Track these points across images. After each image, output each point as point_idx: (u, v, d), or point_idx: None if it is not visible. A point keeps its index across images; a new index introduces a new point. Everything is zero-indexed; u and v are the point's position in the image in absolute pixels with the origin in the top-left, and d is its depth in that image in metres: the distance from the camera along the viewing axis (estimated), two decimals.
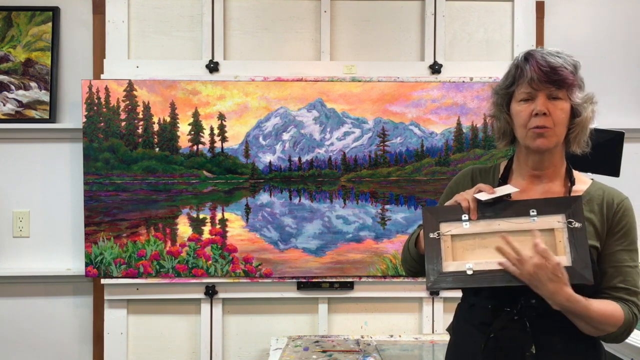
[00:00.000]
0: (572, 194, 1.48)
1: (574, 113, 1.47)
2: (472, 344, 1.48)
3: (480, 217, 1.42)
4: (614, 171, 2.67)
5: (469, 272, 1.39)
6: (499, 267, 1.36)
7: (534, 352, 1.39)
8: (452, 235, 1.43)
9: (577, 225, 1.37)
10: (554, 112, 1.43)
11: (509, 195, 1.45)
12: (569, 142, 1.50)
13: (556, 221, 1.38)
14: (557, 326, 1.41)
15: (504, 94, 1.50)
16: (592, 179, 1.56)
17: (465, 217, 1.43)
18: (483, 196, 1.42)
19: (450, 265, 1.41)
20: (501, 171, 1.59)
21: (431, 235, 1.44)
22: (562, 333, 1.41)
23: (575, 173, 1.54)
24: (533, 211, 1.40)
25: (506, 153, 2.73)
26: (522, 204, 1.42)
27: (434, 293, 2.80)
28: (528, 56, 1.45)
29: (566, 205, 1.39)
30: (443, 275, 1.40)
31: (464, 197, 1.45)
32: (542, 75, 1.41)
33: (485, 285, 1.37)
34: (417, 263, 1.56)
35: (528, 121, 1.44)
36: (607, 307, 1.40)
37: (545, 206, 1.40)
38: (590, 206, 1.48)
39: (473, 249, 1.41)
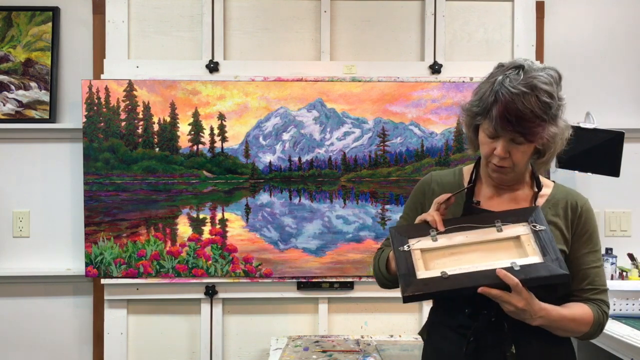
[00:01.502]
0: (539, 198, 1.52)
1: (539, 152, 1.47)
2: (451, 347, 1.50)
3: (448, 230, 1.45)
4: (614, 171, 2.67)
5: (445, 276, 1.38)
6: (474, 270, 1.37)
7: (514, 351, 1.42)
8: (422, 249, 1.44)
9: (541, 227, 1.41)
10: (514, 155, 1.44)
11: (477, 202, 1.54)
12: (532, 168, 1.54)
13: (521, 228, 1.43)
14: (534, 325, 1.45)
15: (471, 119, 1.49)
16: (553, 181, 1.59)
17: (433, 232, 1.44)
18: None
19: (424, 273, 1.40)
20: (465, 177, 1.60)
21: (401, 249, 1.45)
22: (539, 331, 1.44)
23: (540, 177, 1.56)
24: (498, 221, 1.44)
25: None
26: (487, 215, 1.48)
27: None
28: (497, 95, 1.40)
29: (527, 214, 1.45)
30: (418, 282, 1.38)
31: (429, 214, 1.47)
32: (506, 125, 1.38)
33: (466, 286, 1.35)
34: (389, 281, 1.60)
35: (489, 155, 1.46)
36: (576, 311, 1.45)
37: (509, 216, 1.45)
38: (555, 210, 1.52)
39: (444, 263, 1.42)
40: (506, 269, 1.35)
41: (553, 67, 1.46)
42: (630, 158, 2.87)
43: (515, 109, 1.37)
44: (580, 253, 1.50)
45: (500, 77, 1.41)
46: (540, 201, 1.53)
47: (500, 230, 1.43)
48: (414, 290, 1.37)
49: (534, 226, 1.42)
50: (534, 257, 1.38)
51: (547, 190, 1.55)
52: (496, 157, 1.44)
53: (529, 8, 2.84)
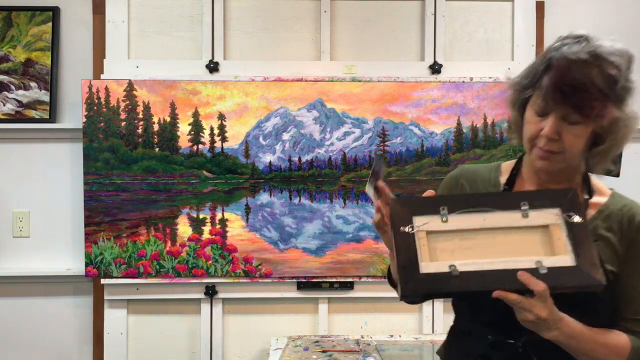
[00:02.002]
0: (589, 209, 1.27)
1: (597, 139, 1.21)
2: None
3: (462, 210, 1.18)
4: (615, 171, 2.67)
5: (455, 274, 1.13)
6: (489, 268, 1.14)
7: None
8: (428, 232, 1.17)
9: (577, 219, 1.16)
10: (565, 137, 1.18)
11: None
12: (587, 164, 1.26)
13: (552, 215, 1.16)
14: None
15: (518, 94, 1.25)
16: (611, 189, 1.33)
17: (444, 209, 1.18)
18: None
19: (429, 266, 1.14)
20: (504, 174, 1.35)
21: (403, 230, 1.17)
22: None
23: (594, 182, 1.32)
24: (524, 204, 1.17)
25: (506, 153, 2.73)
26: (512, 196, 1.23)
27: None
28: (553, 61, 1.17)
29: (562, 197, 1.18)
30: (421, 278, 1.13)
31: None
32: (558, 96, 1.15)
33: (479, 290, 1.13)
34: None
35: (535, 136, 1.21)
36: (608, 336, 1.21)
37: (538, 199, 1.18)
38: (609, 223, 1.26)
39: (452, 251, 1.17)
40: (530, 270, 1.12)
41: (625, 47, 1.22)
42: (630, 158, 2.86)
43: (572, 77, 1.14)
44: (629, 271, 1.24)
45: (556, 44, 1.20)
46: (591, 212, 1.27)
47: (525, 216, 1.17)
48: (415, 290, 1.14)
49: (569, 216, 1.16)
50: (564, 257, 1.14)
51: (601, 198, 1.29)
52: (543, 138, 1.19)
53: (529, 8, 2.84)
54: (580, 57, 1.15)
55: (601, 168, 1.26)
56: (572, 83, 1.14)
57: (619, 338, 1.21)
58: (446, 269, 1.14)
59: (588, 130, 1.19)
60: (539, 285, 1.09)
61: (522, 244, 1.16)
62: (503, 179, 1.35)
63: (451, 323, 1.47)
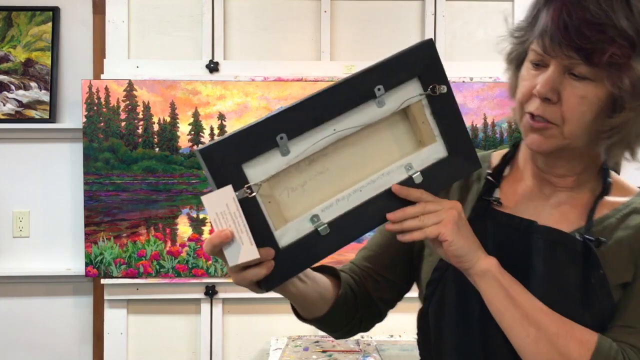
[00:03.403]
0: (600, 207, 0.96)
1: (614, 105, 0.86)
2: None
3: (306, 128, 0.84)
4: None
5: (324, 231, 0.85)
6: (358, 202, 0.87)
7: None
8: (269, 181, 0.83)
9: (442, 89, 0.89)
10: (567, 99, 0.86)
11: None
12: (601, 147, 0.92)
13: (411, 91, 0.88)
14: None
15: (517, 45, 0.96)
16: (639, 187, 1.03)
17: (282, 135, 0.82)
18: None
19: (287, 233, 0.84)
20: (493, 164, 1.05)
21: (239, 196, 0.80)
22: None
23: (615, 177, 1.03)
24: (379, 88, 0.86)
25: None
26: (358, 80, 0.87)
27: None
28: None
29: (416, 58, 0.89)
30: (283, 256, 0.83)
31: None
32: (561, 35, 0.83)
33: (357, 237, 0.87)
34: (320, 324, 1.06)
35: (528, 97, 0.91)
36: (574, 325, 0.89)
37: (393, 72, 0.88)
38: (628, 223, 0.95)
39: (307, 184, 0.85)
40: (404, 183, 0.88)
41: None
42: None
43: (581, 7, 0.82)
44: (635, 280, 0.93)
45: None
46: (602, 210, 0.96)
47: (381, 104, 0.87)
48: (282, 276, 0.85)
49: (432, 88, 0.88)
50: (434, 147, 0.90)
51: (621, 197, 0.98)
52: (534, 99, 0.88)
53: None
54: None
55: (619, 154, 0.93)
56: (580, 15, 0.82)
57: (589, 333, 0.89)
58: (309, 226, 0.85)
59: (600, 93, 0.85)
60: (415, 192, 0.88)
61: (385, 146, 0.89)
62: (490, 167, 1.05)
63: None
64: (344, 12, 2.84)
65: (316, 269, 1.00)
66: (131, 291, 2.75)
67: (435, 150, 0.91)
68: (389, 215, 0.87)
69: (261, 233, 0.81)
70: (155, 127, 2.70)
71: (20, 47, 2.81)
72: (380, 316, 1.14)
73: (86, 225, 2.70)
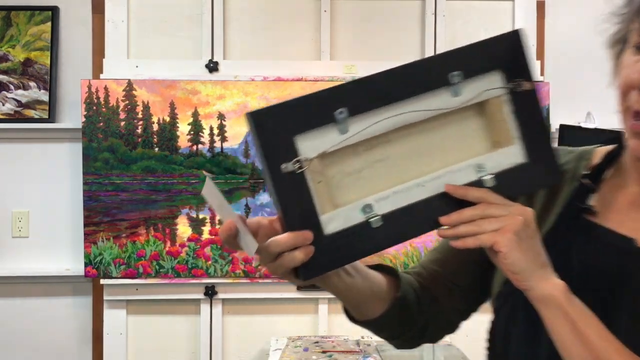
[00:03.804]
0: None
1: None
2: None
3: (369, 106, 0.75)
4: None
5: (376, 223, 0.76)
6: (416, 199, 0.77)
7: None
8: (321, 159, 0.74)
9: (527, 85, 0.79)
10: None
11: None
12: None
13: (491, 84, 0.79)
14: None
15: (621, 22, 0.85)
16: None
17: (342, 111, 0.74)
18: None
19: (334, 219, 0.75)
20: (595, 161, 0.88)
21: (284, 168, 0.73)
22: None
23: None
24: (456, 74, 0.77)
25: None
26: (436, 62, 0.79)
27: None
28: None
29: (500, 48, 0.79)
30: (326, 244, 0.74)
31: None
32: None
33: (408, 237, 0.78)
34: (374, 327, 0.92)
35: (628, 90, 0.77)
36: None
37: (474, 58, 0.79)
38: None
39: (359, 175, 0.77)
40: (472, 184, 0.78)
41: None
42: None
43: None
44: None
45: None
46: None
47: (456, 94, 0.78)
48: (322, 267, 0.76)
49: (515, 82, 0.79)
50: (510, 150, 0.80)
51: None
52: (635, 92, 0.76)
53: (529, 8, 2.83)
54: None
55: None
56: None
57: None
58: (360, 216, 0.76)
59: None
60: (474, 192, 0.76)
61: (455, 140, 0.80)
62: (590, 165, 0.88)
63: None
64: (344, 12, 2.84)
65: (372, 267, 0.90)
66: (131, 291, 2.75)
67: (512, 154, 0.80)
68: (443, 219, 0.75)
69: (305, 214, 0.74)
70: (155, 127, 2.70)
71: (20, 46, 2.80)
72: (451, 327, 0.98)
73: (85, 225, 2.69)
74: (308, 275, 0.75)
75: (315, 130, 0.74)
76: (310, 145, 0.74)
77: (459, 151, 0.79)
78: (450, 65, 0.77)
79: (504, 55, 0.79)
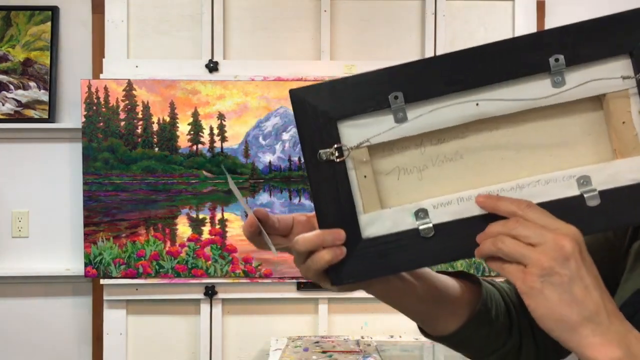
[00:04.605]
0: None
1: None
2: None
3: (434, 93, 0.63)
4: None
5: (426, 233, 0.63)
6: (484, 211, 0.62)
7: None
8: (371, 150, 0.64)
9: None
10: None
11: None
12: None
13: (610, 74, 0.61)
14: None
15: None
16: None
17: (397, 98, 0.63)
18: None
19: (378, 220, 0.64)
20: None
21: (322, 154, 0.64)
22: None
23: None
24: (557, 58, 0.61)
25: None
26: (529, 42, 0.63)
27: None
28: None
29: (633, 28, 0.62)
30: (364, 247, 0.65)
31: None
32: None
33: (460, 255, 0.64)
34: (451, 345, 0.81)
35: None
36: None
37: (583, 40, 0.63)
38: None
39: (419, 177, 0.65)
40: (569, 201, 0.61)
41: None
42: None
43: None
44: None
45: None
46: None
47: (559, 83, 0.61)
48: (354, 274, 0.66)
49: None
50: (635, 161, 0.61)
51: None
52: None
53: (529, 8, 2.83)
54: None
55: None
56: None
57: None
58: (410, 222, 0.64)
59: None
60: (511, 204, 0.60)
61: (555, 143, 0.63)
62: None
63: None
64: (344, 12, 2.84)
65: (448, 274, 0.76)
66: (130, 291, 2.75)
67: (636, 168, 0.60)
68: (478, 237, 0.61)
69: (341, 211, 0.64)
70: (155, 127, 2.70)
71: (19, 46, 2.80)
72: (561, 351, 0.78)
73: (85, 225, 2.69)
74: (338, 281, 0.67)
75: (365, 115, 0.64)
76: (357, 132, 0.63)
77: (557, 157, 0.62)
78: (553, 46, 0.61)
79: (635, 35, 0.61)
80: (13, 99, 2.78)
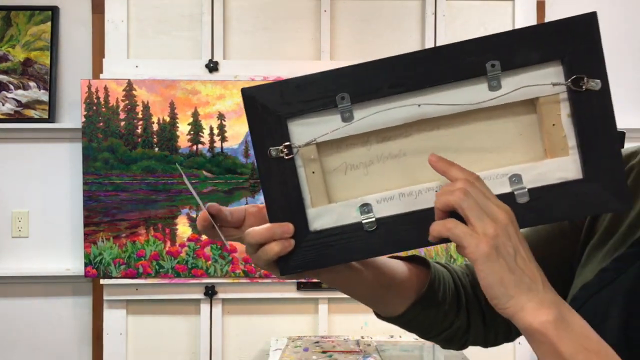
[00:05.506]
0: None
1: None
2: None
3: (378, 94, 0.66)
4: None
5: (369, 226, 0.67)
6: (425, 206, 0.66)
7: None
8: (319, 147, 0.68)
9: (593, 84, 0.64)
10: None
11: None
12: None
13: (543, 80, 0.65)
14: None
15: None
16: None
17: (344, 96, 0.66)
18: None
19: (325, 214, 0.68)
20: None
21: (271, 152, 0.67)
22: None
23: None
24: (493, 64, 0.65)
25: None
26: (467, 48, 0.66)
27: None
28: None
29: (564, 37, 0.68)
30: (311, 239, 0.68)
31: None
32: None
33: (408, 246, 0.67)
34: (401, 325, 0.87)
35: None
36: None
37: (517, 47, 0.66)
38: None
39: (365, 173, 0.68)
40: (503, 197, 0.64)
41: None
42: None
43: None
44: None
45: None
46: None
47: (495, 87, 0.65)
48: (302, 263, 0.69)
49: (578, 80, 0.64)
50: (561, 161, 0.65)
51: None
52: None
53: (529, 8, 2.83)
54: None
55: None
56: None
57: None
58: (355, 216, 0.68)
59: None
60: (464, 172, 0.62)
61: (490, 143, 0.67)
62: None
63: None
64: (344, 12, 2.84)
65: (401, 258, 0.80)
66: (130, 291, 2.75)
67: (563, 167, 0.65)
68: (443, 188, 0.62)
69: (290, 206, 0.67)
70: (155, 127, 2.70)
71: (19, 46, 2.80)
72: (509, 334, 0.84)
73: (85, 225, 2.69)
74: (285, 271, 0.70)
75: (313, 114, 0.66)
76: (305, 130, 0.67)
77: (493, 156, 0.66)
78: (488, 51, 0.65)
79: (570, 42, 0.66)
80: (13, 99, 2.78)
